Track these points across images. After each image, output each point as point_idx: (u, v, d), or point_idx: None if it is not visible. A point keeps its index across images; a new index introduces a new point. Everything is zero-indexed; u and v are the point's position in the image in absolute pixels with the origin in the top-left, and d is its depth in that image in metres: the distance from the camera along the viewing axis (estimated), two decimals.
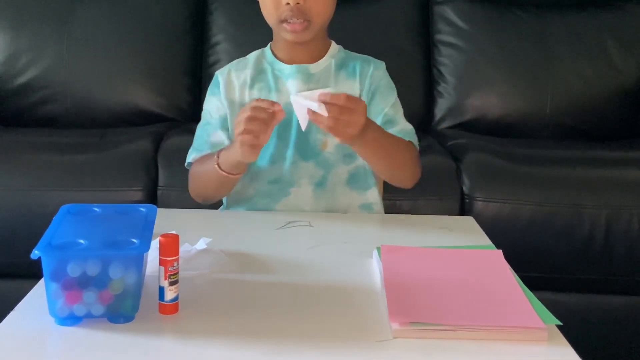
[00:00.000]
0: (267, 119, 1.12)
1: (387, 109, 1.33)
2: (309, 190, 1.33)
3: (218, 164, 1.23)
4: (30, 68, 2.20)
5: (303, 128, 1.16)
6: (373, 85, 1.34)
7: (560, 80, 2.24)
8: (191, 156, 1.35)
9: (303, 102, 1.12)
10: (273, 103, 1.13)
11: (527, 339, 0.84)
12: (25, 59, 2.20)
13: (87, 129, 2.08)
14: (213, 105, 1.36)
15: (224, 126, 1.34)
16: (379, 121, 1.31)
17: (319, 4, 1.26)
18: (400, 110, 1.36)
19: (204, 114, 1.38)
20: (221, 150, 1.26)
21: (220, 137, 1.34)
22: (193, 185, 1.36)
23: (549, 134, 2.24)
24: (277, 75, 1.34)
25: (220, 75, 1.37)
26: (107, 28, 2.23)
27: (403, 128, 1.33)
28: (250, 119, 1.11)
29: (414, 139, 1.33)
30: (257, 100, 1.15)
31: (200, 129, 1.37)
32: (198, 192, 1.35)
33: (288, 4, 1.24)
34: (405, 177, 1.34)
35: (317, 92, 1.11)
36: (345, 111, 1.10)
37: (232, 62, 1.39)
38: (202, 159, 1.32)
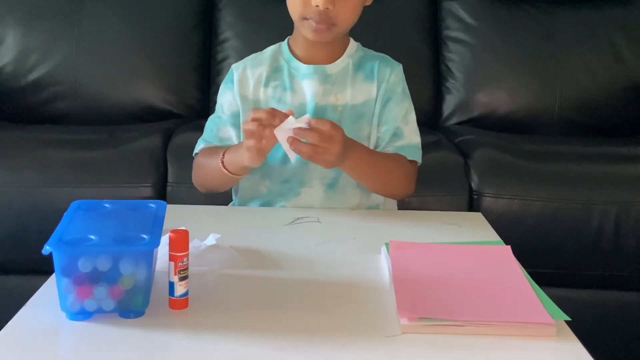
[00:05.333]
0: (267, 120, 1.12)
1: (399, 122, 1.33)
2: (320, 191, 1.33)
3: (223, 163, 1.24)
4: (40, 65, 2.21)
5: (292, 160, 1.16)
6: (389, 92, 1.34)
7: (569, 76, 2.24)
8: (199, 147, 1.36)
9: (286, 128, 1.12)
10: (274, 116, 1.12)
11: (535, 335, 0.85)
12: (36, 56, 2.21)
13: (96, 126, 2.09)
14: (226, 99, 1.36)
15: (234, 122, 1.35)
16: (388, 132, 1.32)
17: (347, 10, 1.24)
18: (412, 120, 1.35)
19: (217, 107, 1.38)
20: (227, 149, 1.26)
21: (229, 133, 1.35)
22: (196, 176, 1.38)
23: (557, 130, 2.23)
24: (293, 74, 1.33)
25: (235, 69, 1.36)
26: (117, 25, 2.24)
27: (408, 143, 1.33)
28: (255, 130, 1.12)
29: (417, 155, 1.33)
30: (258, 111, 1.14)
31: (211, 121, 1.38)
32: (200, 182, 1.38)
33: (317, 6, 1.22)
34: (393, 193, 1.36)
35: (300, 120, 1.12)
36: (325, 139, 1.12)
37: (248, 57, 1.38)
38: (209, 151, 1.33)
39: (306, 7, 1.23)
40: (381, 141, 1.34)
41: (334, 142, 1.14)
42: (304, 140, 1.12)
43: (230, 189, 1.41)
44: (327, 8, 1.21)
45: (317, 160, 1.15)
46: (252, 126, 1.13)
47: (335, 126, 1.15)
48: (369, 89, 1.33)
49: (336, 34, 1.27)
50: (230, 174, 1.25)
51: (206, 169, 1.32)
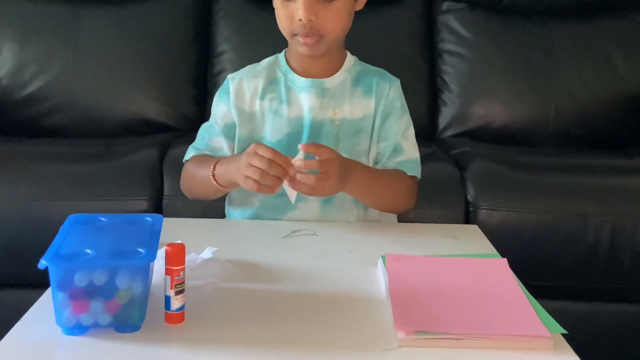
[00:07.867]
0: (278, 174, 1.13)
1: (399, 137, 1.33)
2: (316, 205, 1.33)
3: (214, 176, 1.25)
4: (36, 78, 2.21)
5: (292, 200, 1.20)
6: (388, 108, 1.34)
7: (564, 88, 2.24)
8: (189, 154, 1.37)
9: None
10: (289, 165, 1.13)
11: (532, 348, 0.84)
12: (32, 69, 2.21)
13: (93, 139, 2.09)
14: (220, 110, 1.36)
15: (228, 133, 1.34)
16: (388, 149, 1.33)
17: (332, 20, 1.24)
18: (411, 135, 1.36)
19: (211, 116, 1.38)
20: (219, 160, 1.26)
21: (221, 143, 1.35)
22: (185, 182, 1.38)
23: (553, 142, 2.24)
24: (290, 86, 1.33)
25: (231, 81, 1.36)
26: (113, 38, 2.24)
27: (407, 158, 1.34)
28: (266, 171, 1.13)
29: (416, 170, 1.34)
30: (275, 153, 1.14)
31: (203, 129, 1.38)
32: (188, 189, 1.39)
33: (301, 20, 1.22)
34: (394, 209, 1.37)
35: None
36: (320, 177, 1.14)
37: (244, 69, 1.38)
38: (200, 159, 1.33)
39: (292, 23, 1.24)
40: (381, 157, 1.34)
41: (331, 165, 1.15)
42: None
43: (223, 199, 1.41)
44: (311, 20, 1.22)
45: (318, 189, 1.16)
46: (258, 164, 1.12)
47: (325, 163, 1.15)
48: (368, 104, 1.33)
49: (327, 45, 1.27)
50: (220, 187, 1.26)
51: (195, 177, 1.33)
